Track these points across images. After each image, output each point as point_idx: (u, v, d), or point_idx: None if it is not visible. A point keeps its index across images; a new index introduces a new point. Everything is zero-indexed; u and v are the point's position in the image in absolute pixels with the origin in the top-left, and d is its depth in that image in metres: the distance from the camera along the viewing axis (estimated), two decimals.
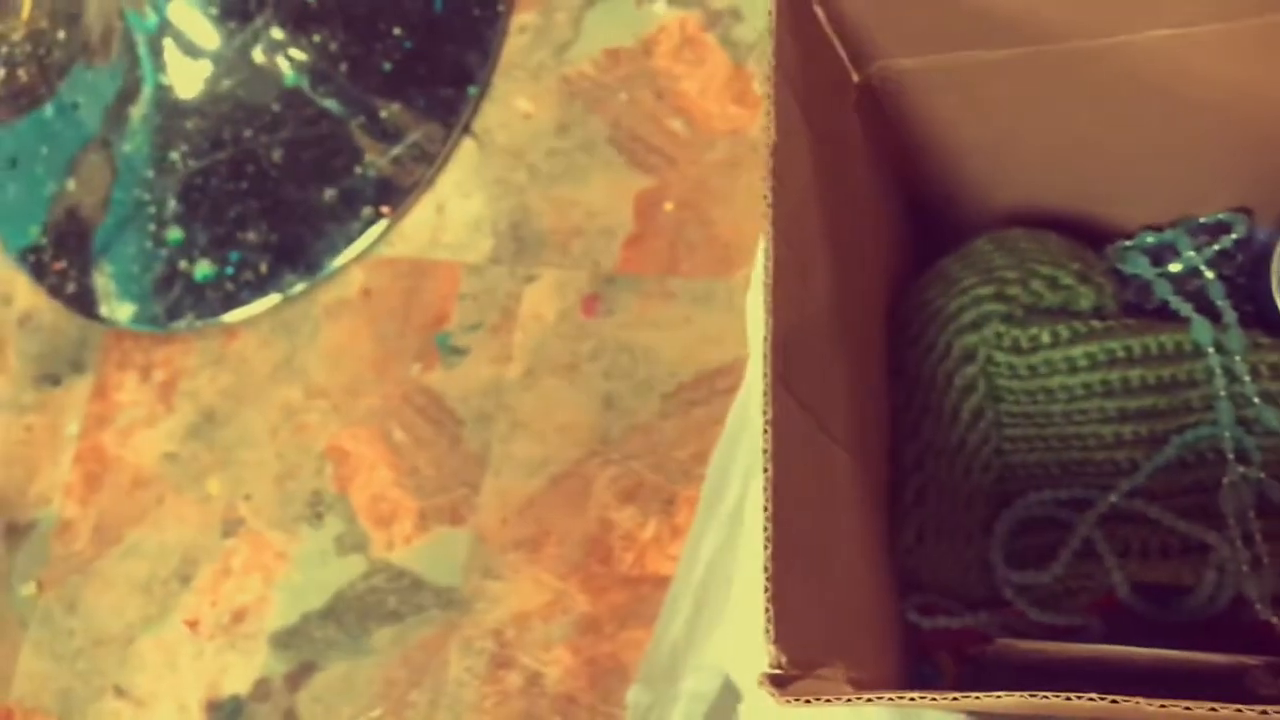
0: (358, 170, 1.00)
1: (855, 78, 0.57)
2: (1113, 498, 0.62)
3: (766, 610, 0.39)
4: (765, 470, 0.40)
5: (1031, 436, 0.64)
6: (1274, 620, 0.59)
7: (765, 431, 0.41)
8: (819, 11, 0.51)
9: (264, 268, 1.01)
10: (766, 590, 0.39)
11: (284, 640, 0.93)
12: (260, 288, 1.00)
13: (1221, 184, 0.65)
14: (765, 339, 0.42)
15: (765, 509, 0.40)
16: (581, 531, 0.86)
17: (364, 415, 0.95)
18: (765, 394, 0.41)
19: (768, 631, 0.39)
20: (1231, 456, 0.61)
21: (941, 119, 0.61)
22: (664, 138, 0.91)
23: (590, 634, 0.84)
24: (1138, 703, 0.37)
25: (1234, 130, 0.60)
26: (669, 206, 0.90)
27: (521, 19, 0.98)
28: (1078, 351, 0.63)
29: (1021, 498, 0.64)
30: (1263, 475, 0.60)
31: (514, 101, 0.97)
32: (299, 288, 1.00)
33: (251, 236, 1.02)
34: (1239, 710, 0.37)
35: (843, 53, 0.54)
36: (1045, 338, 0.63)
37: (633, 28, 0.94)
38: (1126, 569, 0.61)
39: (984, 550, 0.64)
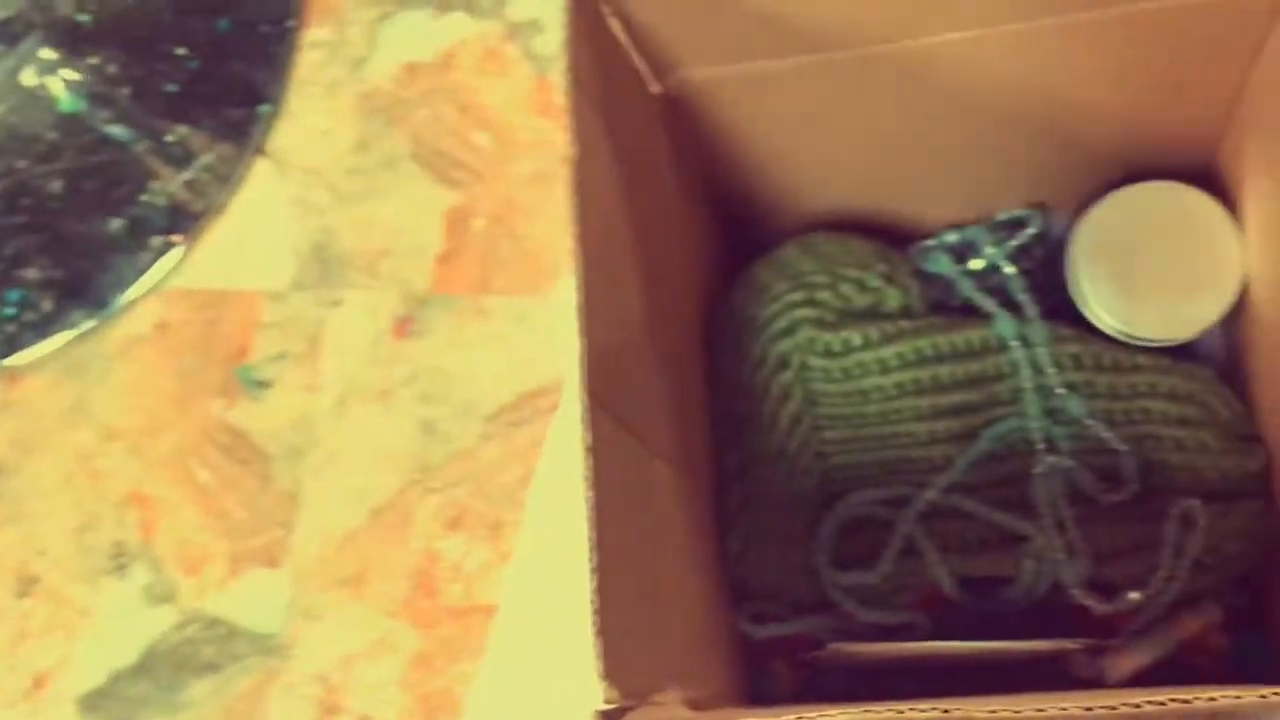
0: (144, 198, 0.94)
1: (656, 89, 0.56)
2: (930, 494, 0.63)
3: (595, 644, 0.38)
4: (588, 498, 0.39)
5: (849, 438, 0.65)
6: (1089, 604, 0.61)
7: (585, 458, 0.39)
8: (614, 23, 0.50)
9: (48, 306, 0.94)
10: (595, 623, 0.38)
11: (92, 703, 0.87)
12: (45, 328, 0.93)
13: (1017, 181, 0.67)
14: (580, 361, 0.40)
15: (590, 539, 0.38)
16: (406, 564, 0.83)
17: (165, 457, 0.89)
18: (583, 418, 0.40)
19: (597, 667, 0.38)
20: (1041, 447, 0.62)
21: (744, 128, 0.61)
22: (469, 152, 0.89)
23: (421, 670, 0.81)
24: (970, 713, 0.37)
25: (1027, 128, 0.62)
26: (479, 222, 0.88)
27: (314, 34, 0.94)
28: (888, 352, 0.63)
29: (843, 500, 0.64)
30: (1071, 463, 0.62)
31: (310, 120, 0.93)
32: (88, 325, 0.93)
33: (32, 274, 0.95)
34: (1064, 710, 0.37)
35: (641, 64, 0.53)
36: (856, 340, 0.63)
37: (431, 41, 0.91)
38: (949, 564, 0.62)
39: (810, 554, 0.64)
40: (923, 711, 0.37)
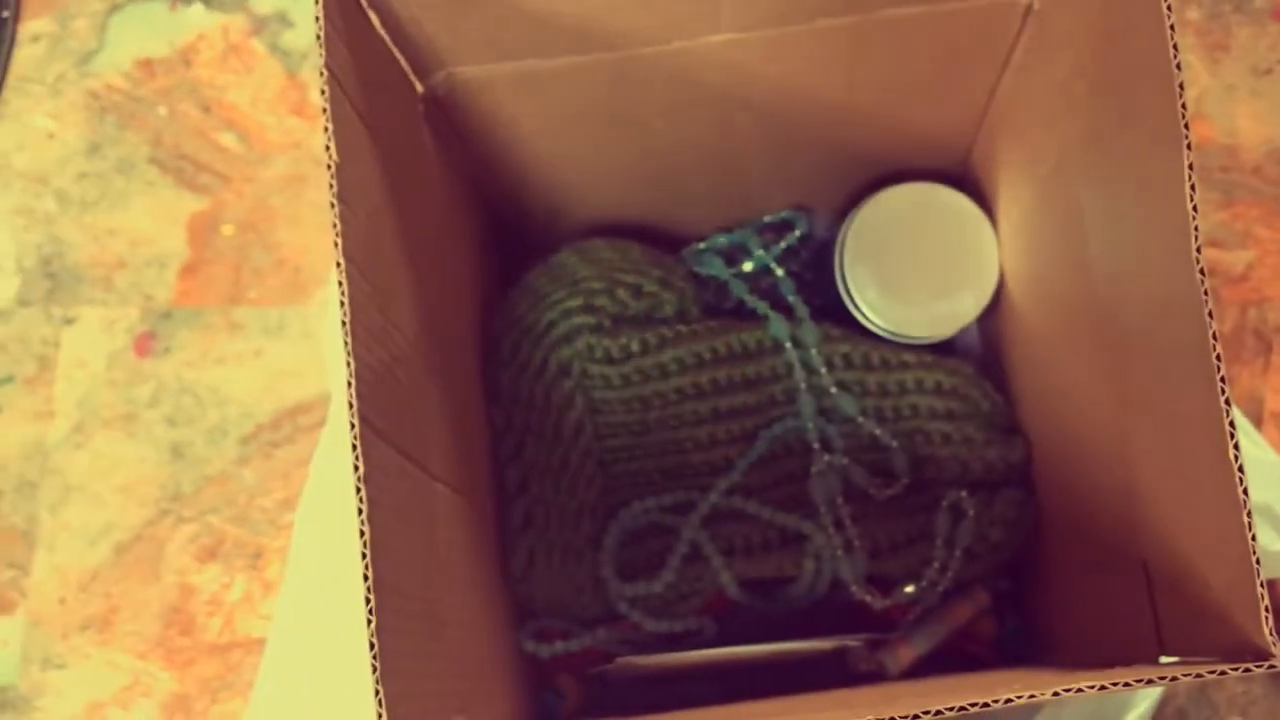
0: None
1: (420, 88, 0.53)
2: (712, 498, 0.62)
3: (376, 692, 0.35)
4: (362, 533, 0.36)
5: (632, 445, 0.64)
6: (867, 599, 0.61)
7: (358, 489, 0.36)
8: (373, 18, 0.47)
9: None
10: (374, 666, 0.35)
11: None
12: None
13: (784, 183, 0.67)
14: (348, 384, 0.37)
15: (366, 576, 0.35)
16: (158, 601, 0.77)
17: None
18: (354, 445, 0.37)
19: (380, 715, 0.35)
20: (817, 446, 0.63)
21: (514, 129, 0.59)
22: (215, 154, 0.83)
23: (179, 714, 0.75)
24: None
25: (790, 131, 0.62)
26: (228, 230, 0.82)
27: (33, 26, 0.86)
28: (666, 357, 0.63)
29: (627, 508, 0.63)
30: (846, 461, 0.62)
31: (32, 119, 0.85)
32: None
33: None
34: None
35: (404, 61, 0.50)
36: (635, 346, 0.62)
37: (167, 35, 0.85)
38: (733, 567, 0.62)
39: (595, 567, 0.62)
40: None
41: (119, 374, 0.80)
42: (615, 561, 0.63)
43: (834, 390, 0.63)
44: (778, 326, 0.64)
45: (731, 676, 0.62)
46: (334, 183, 0.38)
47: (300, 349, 0.79)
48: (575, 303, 0.62)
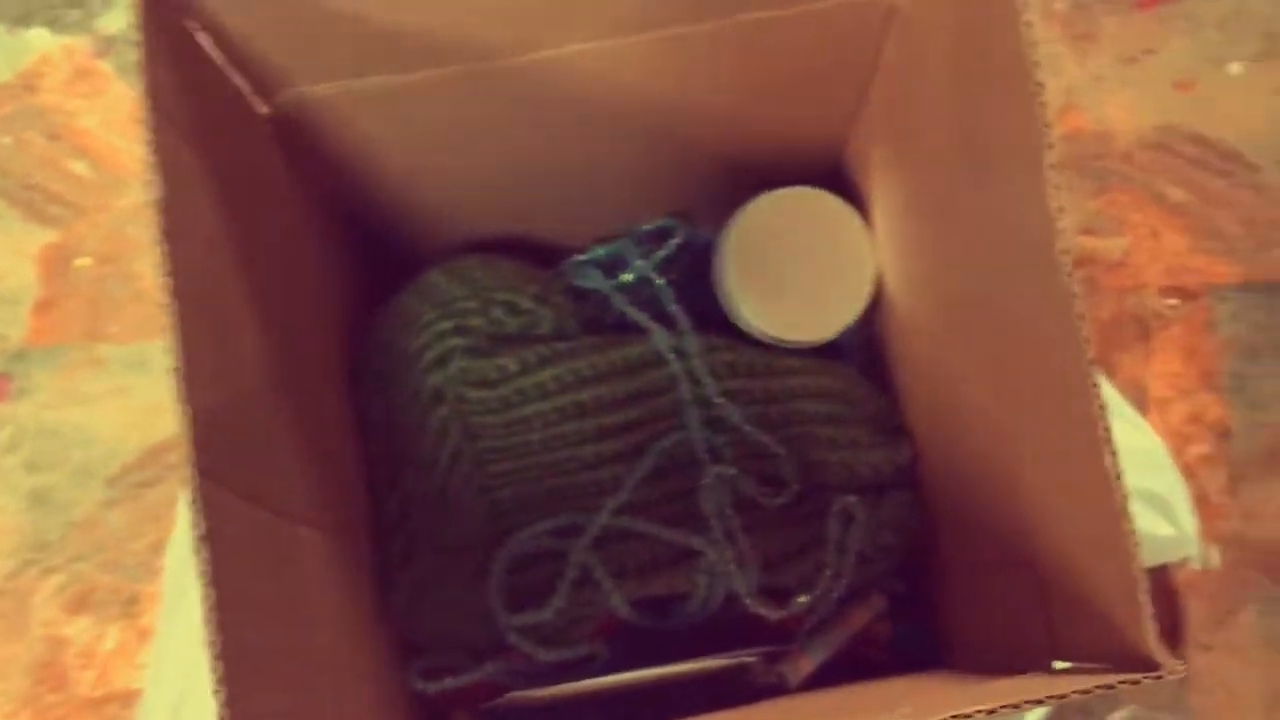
0: None
1: (264, 109, 0.50)
2: (601, 519, 0.61)
3: None
4: (205, 598, 0.33)
5: (515, 470, 0.61)
6: (762, 612, 0.60)
7: (198, 550, 0.33)
8: (204, 38, 0.44)
9: None
10: None
11: None
12: None
13: (660, 190, 0.66)
14: (183, 434, 0.34)
15: (211, 646, 0.33)
16: (26, 657, 0.72)
17: None
18: (193, 502, 0.34)
19: None
20: (705, 457, 0.61)
21: (372, 147, 0.56)
22: (66, 183, 0.79)
23: None
24: None
25: (661, 138, 0.61)
26: (83, 262, 0.78)
27: None
28: (546, 376, 0.61)
29: (513, 535, 0.61)
30: (735, 471, 0.61)
31: None
32: None
33: None
34: None
35: (241, 82, 0.48)
36: (513, 366, 0.60)
37: (7, 60, 0.80)
38: (624, 588, 0.60)
39: (483, 597, 0.60)
40: None
41: None
42: (503, 591, 0.60)
43: (719, 400, 0.62)
44: (660, 338, 0.62)
45: (630, 701, 0.60)
46: (158, 218, 0.35)
47: (165, 384, 0.75)
48: (447, 324, 0.60)
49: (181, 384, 0.34)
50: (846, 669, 0.63)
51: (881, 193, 0.62)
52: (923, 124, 0.52)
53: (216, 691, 0.32)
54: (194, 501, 0.34)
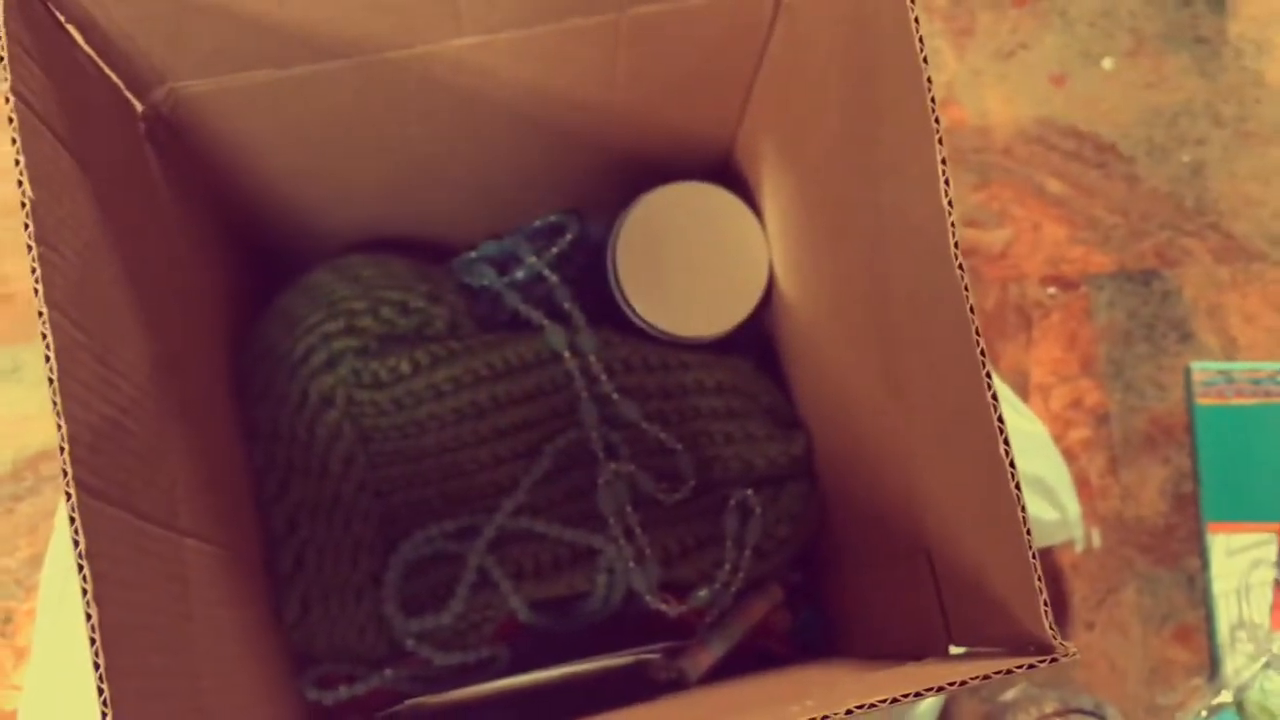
0: None
1: (139, 106, 0.48)
2: (499, 520, 0.60)
3: None
4: (88, 617, 0.32)
5: (409, 473, 0.60)
6: (662, 608, 0.60)
7: (80, 567, 0.32)
8: (73, 32, 0.42)
9: None
10: None
11: None
12: None
13: (552, 187, 0.65)
14: (60, 448, 0.33)
15: (96, 667, 0.31)
16: None
17: None
18: (72, 519, 0.32)
19: None
20: (602, 455, 0.61)
21: (254, 144, 0.54)
22: None
23: None
24: None
25: (550, 133, 0.60)
26: None
27: None
28: (440, 376, 0.60)
29: (408, 539, 0.60)
30: (632, 468, 0.61)
31: None
32: None
33: None
34: None
35: (116, 79, 0.46)
36: (405, 367, 0.59)
37: None
38: (523, 590, 0.60)
39: (377, 603, 0.59)
40: None
41: None
42: (399, 597, 0.59)
43: (615, 396, 0.61)
44: (554, 336, 0.61)
45: (532, 703, 0.60)
46: (29, 222, 0.34)
47: (38, 392, 0.72)
48: (335, 325, 0.58)
49: (58, 396, 0.33)
50: (746, 661, 0.63)
51: (771, 186, 0.62)
52: (811, 117, 0.53)
53: (104, 714, 0.31)
54: (73, 518, 0.33)
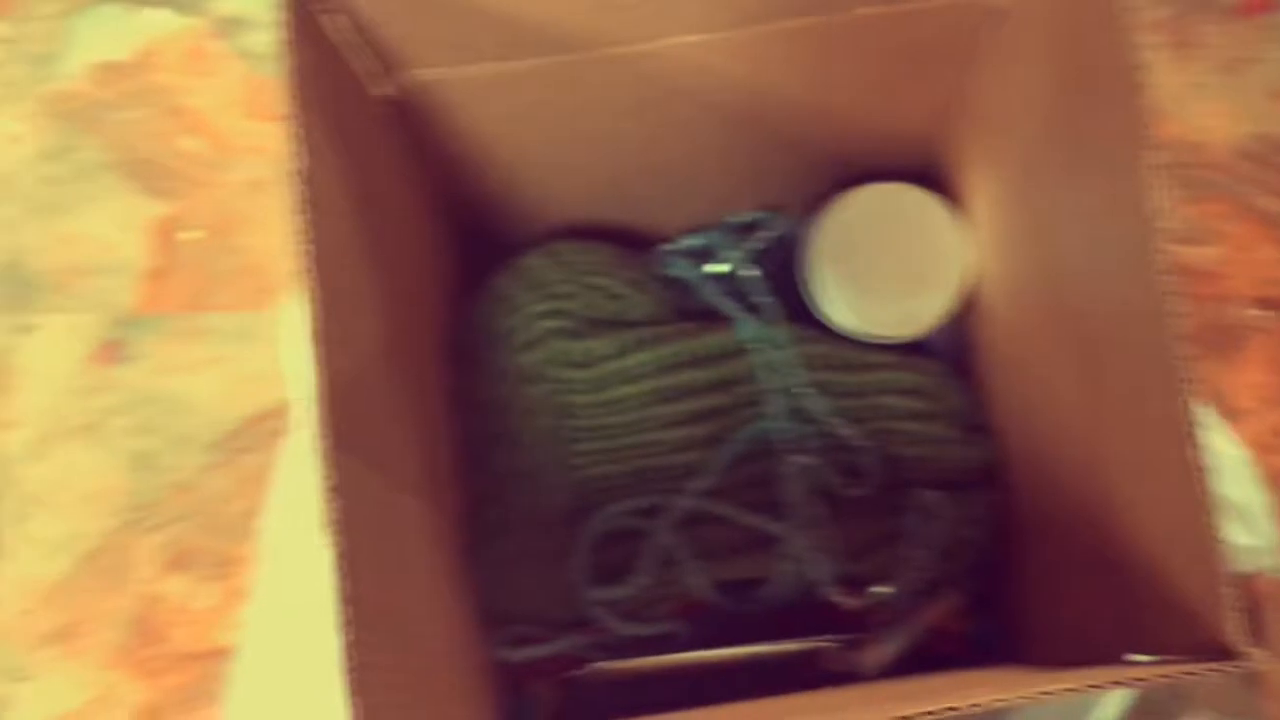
0: None
1: (382, 91, 0.52)
2: (685, 501, 0.62)
3: (349, 704, 0.35)
4: (333, 547, 0.35)
5: (602, 450, 0.63)
6: (840, 600, 0.61)
7: (328, 503, 0.35)
8: (331, 21, 0.46)
9: None
10: (348, 684, 0.34)
11: None
12: None
13: (753, 183, 0.67)
14: (315, 395, 0.37)
15: (338, 590, 0.35)
16: (125, 611, 0.76)
17: None
18: (322, 459, 0.36)
19: None
20: (788, 447, 0.63)
21: (479, 133, 0.58)
22: (178, 159, 0.82)
23: None
24: None
25: (758, 131, 0.62)
26: (191, 235, 0.81)
27: None
28: (637, 360, 0.62)
29: (598, 512, 0.63)
30: (817, 462, 0.62)
31: None
32: None
33: None
34: None
35: (363, 66, 0.50)
36: (605, 349, 0.62)
37: (128, 38, 0.83)
38: (704, 570, 0.62)
39: (567, 571, 0.62)
40: None
41: (82, 383, 0.79)
42: (586, 566, 0.62)
43: (805, 391, 0.63)
44: (747, 328, 0.63)
45: (705, 680, 0.62)
46: (299, 189, 0.37)
47: (264, 354, 0.78)
48: (543, 306, 0.61)
49: (317, 347, 0.36)
50: (920, 663, 0.64)
51: (976, 191, 0.62)
52: (1019, 121, 0.53)
53: (341, 635, 0.34)
54: (321, 458, 0.36)
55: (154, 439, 0.78)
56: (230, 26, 0.84)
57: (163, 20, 0.84)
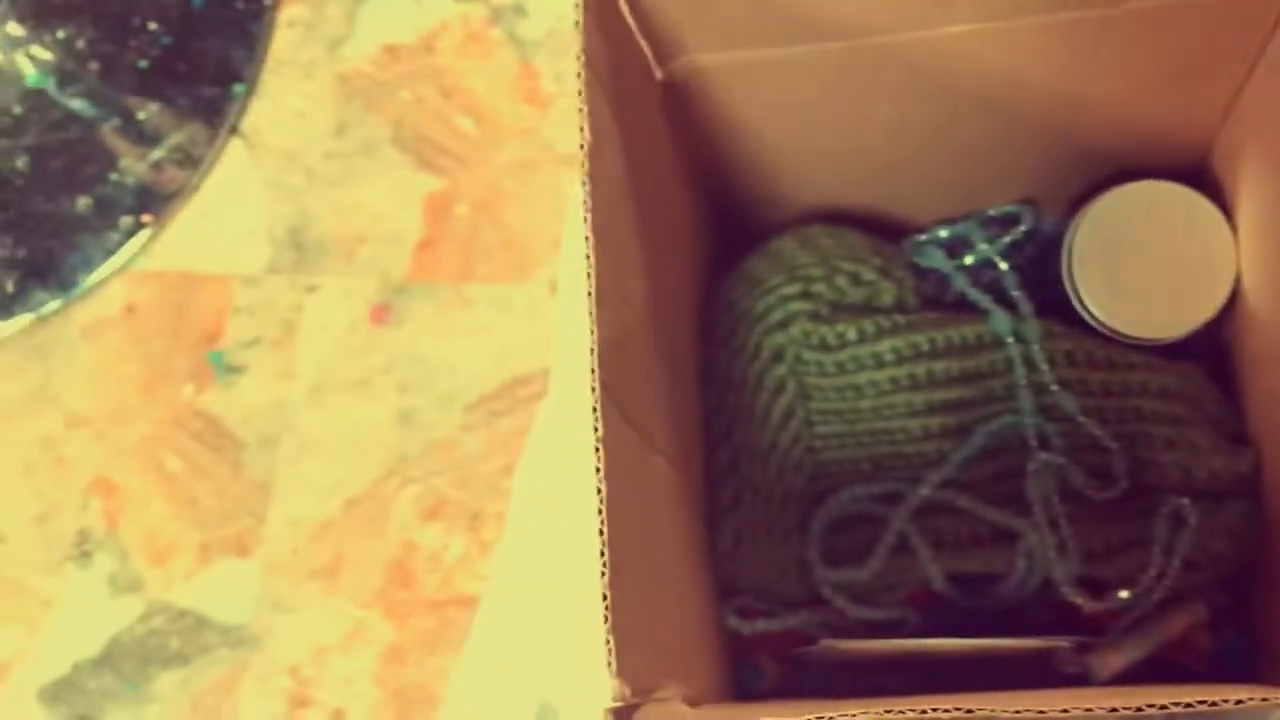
0: (114, 177, 0.92)
1: (659, 74, 0.55)
2: (924, 490, 0.62)
3: (608, 642, 0.37)
4: (599, 491, 0.38)
5: (843, 433, 0.64)
6: (1079, 601, 0.60)
7: (596, 450, 0.38)
8: (623, 6, 0.49)
9: (10, 286, 0.91)
10: (606, 620, 0.37)
11: (54, 694, 0.85)
12: (7, 308, 0.91)
13: (1011, 176, 0.66)
14: (592, 352, 0.39)
15: (601, 533, 0.37)
16: (382, 556, 0.82)
17: (133, 444, 0.87)
18: (594, 410, 0.39)
19: (610, 664, 0.37)
20: (1034, 444, 0.62)
21: (744, 115, 0.60)
22: (452, 138, 0.87)
23: (395, 664, 0.80)
24: (992, 712, 0.37)
25: (1022, 124, 0.62)
26: (461, 209, 0.86)
27: (290, 12, 0.92)
28: (883, 346, 0.63)
29: (835, 495, 0.64)
30: (1064, 460, 0.61)
31: (286, 100, 0.91)
32: (52, 306, 0.91)
33: None
34: (1089, 710, 0.36)
35: (647, 49, 0.52)
36: (851, 334, 0.63)
37: (412, 22, 0.90)
38: (940, 560, 0.62)
39: (801, 550, 0.63)
40: (946, 712, 0.37)
41: (356, 340, 0.85)
42: (821, 546, 0.63)
43: (1055, 388, 0.62)
44: (999, 321, 0.63)
45: (932, 669, 0.62)
46: (586, 162, 0.40)
47: (523, 324, 0.82)
48: (792, 289, 0.63)
49: (595, 308, 0.39)
50: (1158, 674, 0.62)
51: (1248, 193, 0.60)
52: None
53: (603, 573, 0.37)
54: (594, 409, 0.39)
55: (418, 397, 0.83)
56: (505, 14, 0.89)
57: (444, 7, 0.90)
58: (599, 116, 0.42)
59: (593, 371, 0.39)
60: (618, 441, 0.42)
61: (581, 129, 0.40)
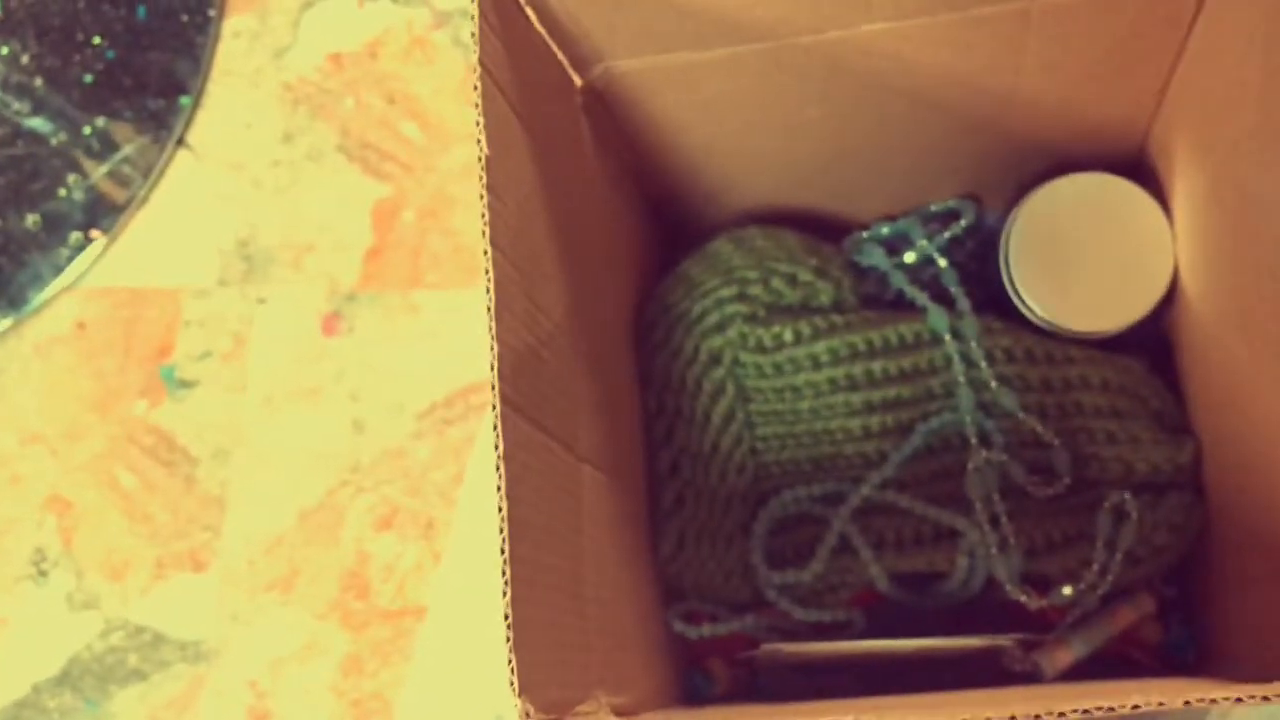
0: (62, 192, 0.91)
1: (578, 81, 0.54)
2: (864, 490, 0.62)
3: (509, 660, 0.37)
4: (499, 510, 0.37)
5: (783, 434, 0.64)
6: (1023, 599, 0.60)
7: (498, 467, 0.38)
8: (530, 13, 0.48)
9: None
10: (508, 639, 0.37)
11: (14, 715, 0.84)
12: None
13: (948, 172, 0.66)
14: (492, 367, 0.39)
15: (502, 552, 0.37)
16: (336, 566, 0.81)
17: (86, 460, 0.86)
18: (495, 425, 0.38)
19: (512, 683, 0.36)
20: (974, 441, 0.62)
21: (672, 120, 0.60)
22: (398, 144, 0.87)
23: (353, 674, 0.80)
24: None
25: (954, 120, 0.61)
26: (408, 216, 0.86)
27: (235, 23, 0.91)
28: (819, 348, 0.62)
29: (777, 497, 0.63)
30: (1004, 457, 0.61)
31: (232, 111, 0.90)
32: (3, 325, 0.90)
33: None
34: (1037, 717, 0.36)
35: (562, 56, 0.52)
36: (788, 336, 0.62)
37: (356, 30, 0.89)
38: (883, 561, 0.61)
39: (744, 552, 0.63)
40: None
41: (306, 351, 0.84)
42: (764, 548, 0.63)
43: (994, 385, 0.62)
44: (937, 318, 0.63)
45: (879, 671, 0.62)
46: (484, 174, 0.40)
47: (474, 330, 0.82)
48: (729, 291, 0.62)
49: (494, 322, 0.39)
50: (1107, 669, 0.62)
51: (1182, 183, 0.60)
52: (1225, 113, 0.51)
53: (505, 591, 0.36)
54: (495, 424, 0.38)
55: (370, 406, 0.83)
56: (450, 18, 0.88)
57: (388, 13, 0.89)
58: (500, 127, 0.42)
59: (493, 386, 0.38)
60: (527, 452, 0.41)
61: (479, 141, 0.40)
